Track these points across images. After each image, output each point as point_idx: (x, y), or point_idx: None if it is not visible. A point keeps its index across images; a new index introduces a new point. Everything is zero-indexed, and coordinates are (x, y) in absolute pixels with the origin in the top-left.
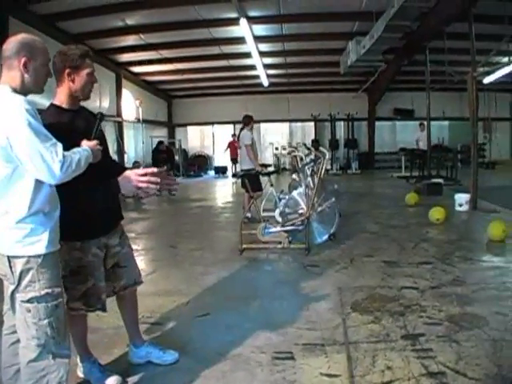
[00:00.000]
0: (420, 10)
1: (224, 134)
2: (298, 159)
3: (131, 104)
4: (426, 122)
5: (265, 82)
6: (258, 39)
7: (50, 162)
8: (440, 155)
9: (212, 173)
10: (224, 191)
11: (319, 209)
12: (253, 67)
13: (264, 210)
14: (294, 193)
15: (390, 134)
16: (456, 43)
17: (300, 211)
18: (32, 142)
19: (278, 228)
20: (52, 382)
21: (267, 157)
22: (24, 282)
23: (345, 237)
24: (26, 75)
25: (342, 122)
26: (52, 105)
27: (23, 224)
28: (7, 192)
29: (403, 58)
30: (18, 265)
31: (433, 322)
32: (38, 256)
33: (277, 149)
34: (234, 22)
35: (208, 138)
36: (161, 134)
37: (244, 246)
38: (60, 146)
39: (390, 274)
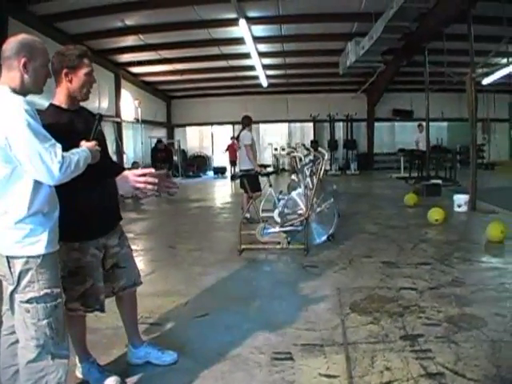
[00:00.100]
0: (419, 11)
1: (223, 134)
2: (297, 160)
3: (130, 104)
4: (424, 123)
5: (264, 82)
6: (257, 40)
7: (49, 163)
8: (439, 156)
9: (211, 173)
10: (223, 192)
11: (318, 209)
12: (252, 68)
13: (263, 211)
14: (293, 193)
15: (389, 135)
16: (455, 44)
17: (299, 212)
18: (31, 143)
19: (277, 228)
20: (51, 382)
21: (266, 157)
22: (23, 283)
23: (344, 237)
24: (25, 76)
25: (340, 123)
26: (51, 105)
27: (22, 224)
28: (6, 192)
29: (402, 59)
30: (17, 265)
31: (432, 323)
32: (38, 256)
33: (276, 149)
34: (233, 22)
35: (207, 139)
36: (160, 134)
37: (243, 246)
38: (59, 146)
39: (388, 274)
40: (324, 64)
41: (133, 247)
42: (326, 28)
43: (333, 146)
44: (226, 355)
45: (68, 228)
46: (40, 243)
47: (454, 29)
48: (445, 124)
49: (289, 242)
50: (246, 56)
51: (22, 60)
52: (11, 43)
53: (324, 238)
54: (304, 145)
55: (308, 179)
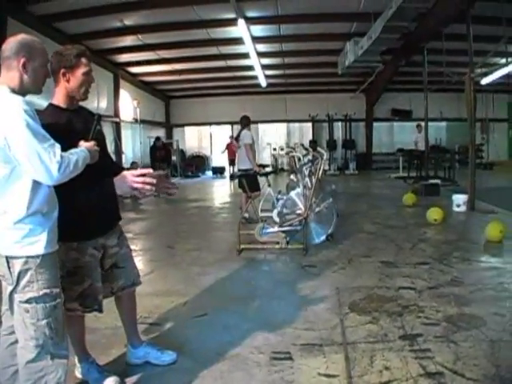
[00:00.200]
0: (418, 11)
1: (222, 134)
2: (296, 160)
3: (129, 104)
4: (423, 124)
5: (263, 82)
6: (256, 40)
7: (48, 163)
8: (438, 156)
9: (210, 173)
10: (221, 191)
11: (317, 209)
12: (251, 68)
13: (262, 211)
14: (292, 193)
15: (388, 135)
16: (454, 44)
17: (298, 211)
18: (30, 143)
19: (276, 228)
20: (50, 382)
21: (265, 157)
22: (22, 283)
23: (342, 237)
24: (24, 76)
25: (339, 123)
26: (50, 104)
27: (22, 224)
28: (5, 192)
29: (401, 59)
30: (17, 265)
31: (431, 323)
32: (37, 256)
33: (274, 149)
34: (231, 22)
35: (206, 139)
36: (158, 134)
37: (242, 246)
38: (58, 146)
39: (387, 274)
40: (323, 64)
41: (131, 247)
42: (324, 28)
43: (331, 145)
44: (225, 355)
45: (66, 228)
46: (39, 243)
47: (453, 29)
48: (444, 124)
49: (288, 242)
50: (245, 56)
51: (22, 60)
52: (10, 43)
53: (323, 237)
54: (303, 145)
55: (307, 179)
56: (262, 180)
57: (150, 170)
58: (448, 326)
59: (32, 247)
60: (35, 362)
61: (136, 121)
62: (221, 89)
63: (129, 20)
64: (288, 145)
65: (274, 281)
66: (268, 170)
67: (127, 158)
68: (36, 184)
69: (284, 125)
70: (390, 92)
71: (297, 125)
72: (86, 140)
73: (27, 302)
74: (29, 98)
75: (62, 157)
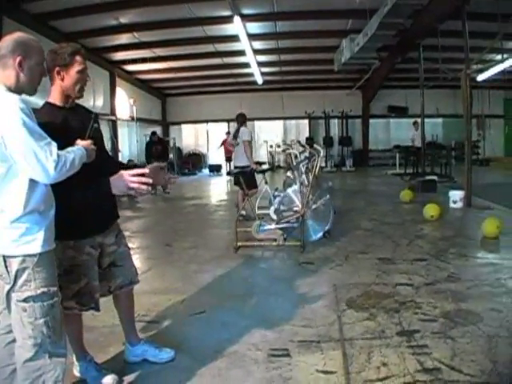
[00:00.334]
0: (413, 8)
1: (218, 132)
2: (293, 157)
3: (125, 102)
4: (419, 120)
5: (259, 79)
6: (252, 37)
7: (44, 161)
8: (434, 152)
9: (206, 171)
10: (218, 189)
11: (314, 206)
12: (247, 65)
13: (259, 208)
14: (289, 190)
15: (384, 132)
16: (449, 41)
17: (295, 208)
18: (26, 141)
19: (273, 225)
20: (48, 381)
21: (261, 154)
22: (20, 282)
23: (339, 234)
24: (21, 74)
25: (336, 120)
26: (47, 103)
27: (18, 223)
28: (2, 191)
29: (397, 56)
30: (14, 264)
31: (428, 319)
32: (34, 255)
33: (271, 146)
34: (227, 19)
35: (202, 136)
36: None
37: (239, 243)
38: (54, 145)
39: (384, 270)
40: (319, 61)
41: (129, 245)
42: (320, 25)
43: (328, 142)
44: (223, 352)
45: (62, 226)
46: (36, 242)
47: (449, 25)
48: (440, 120)
49: (285, 239)
50: (241, 53)
51: (18, 58)
52: (6, 41)
53: (320, 234)
54: (299, 142)
55: (303, 176)
56: (258, 177)
57: (147, 170)
58: (445, 322)
59: (29, 246)
60: (33, 360)
61: (132, 119)
62: (217, 86)
63: (124, 18)
64: (285, 142)
65: (271, 278)
66: (265, 167)
67: (124, 156)
68: (33, 182)
69: (280, 122)
70: (387, 89)
71: (293, 122)
72: (83, 138)
73: (25, 300)
74: (25, 96)
75: (58, 155)
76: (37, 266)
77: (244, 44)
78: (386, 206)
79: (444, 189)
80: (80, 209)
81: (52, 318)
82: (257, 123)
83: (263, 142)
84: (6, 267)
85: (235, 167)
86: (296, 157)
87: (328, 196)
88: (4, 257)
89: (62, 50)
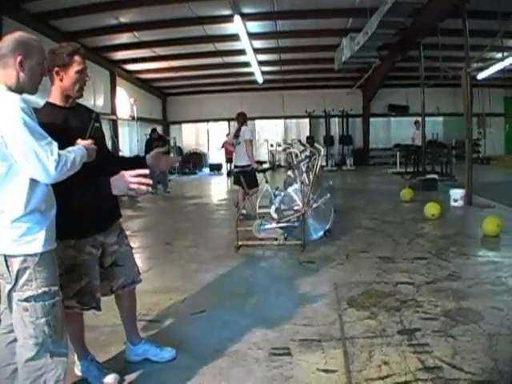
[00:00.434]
0: (413, 7)
1: (219, 131)
2: (293, 156)
3: (126, 102)
4: (420, 119)
5: (259, 78)
6: (252, 36)
7: (45, 161)
8: (435, 151)
9: (207, 170)
10: (219, 188)
11: (314, 205)
12: (247, 64)
13: (260, 207)
14: (290, 189)
15: (385, 130)
16: (450, 39)
17: (295, 208)
18: (27, 141)
19: (274, 225)
20: (50, 380)
21: (262, 153)
22: (21, 281)
23: (340, 233)
24: (21, 74)
25: (336, 119)
26: (47, 103)
27: (19, 223)
28: (2, 191)
29: (397, 54)
30: (15, 264)
31: (429, 317)
32: (35, 255)
33: (272, 145)
34: (227, 18)
35: (203, 136)
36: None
37: (240, 242)
38: (55, 144)
39: (385, 269)
40: (319, 60)
41: (131, 245)
42: (320, 24)
43: (328, 141)
44: (224, 351)
45: (63, 226)
46: (37, 241)
47: (449, 24)
48: (440, 119)
49: (285, 238)
50: (241, 52)
51: (18, 58)
52: (7, 41)
53: (320, 233)
54: (300, 141)
55: (304, 175)
56: (259, 176)
57: (147, 171)
58: (446, 321)
59: (30, 245)
60: (34, 360)
61: (133, 118)
62: (218, 85)
63: (124, 17)
64: (285, 141)
65: (272, 277)
66: (265, 166)
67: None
68: (33, 182)
69: (281, 121)
70: (387, 87)
71: (294, 121)
72: (84, 138)
73: (26, 300)
74: (25, 95)
75: (59, 155)
76: (38, 266)
77: (244, 43)
78: (386, 204)
79: (445, 187)
80: (80, 208)
81: (53, 318)
82: (257, 122)
83: (264, 141)
84: (7, 267)
85: (236, 167)
86: (296, 156)
87: (328, 195)
88: (5, 256)
89: (60, 50)
